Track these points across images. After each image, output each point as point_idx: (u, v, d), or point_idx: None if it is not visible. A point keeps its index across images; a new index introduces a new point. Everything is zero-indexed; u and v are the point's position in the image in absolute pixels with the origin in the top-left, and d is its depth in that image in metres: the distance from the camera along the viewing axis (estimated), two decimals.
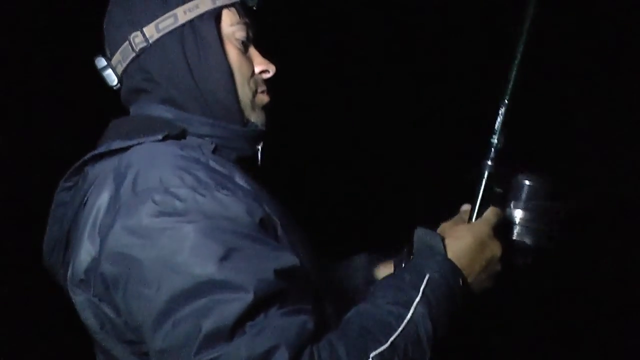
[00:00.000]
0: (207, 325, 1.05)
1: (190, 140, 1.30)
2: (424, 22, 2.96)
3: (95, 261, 1.20)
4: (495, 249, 1.30)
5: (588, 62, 2.89)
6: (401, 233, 1.48)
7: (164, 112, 1.32)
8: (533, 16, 1.32)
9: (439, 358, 1.19)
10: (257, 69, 1.37)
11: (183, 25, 1.31)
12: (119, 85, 1.38)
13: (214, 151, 1.29)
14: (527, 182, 1.35)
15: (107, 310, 1.22)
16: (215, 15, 1.32)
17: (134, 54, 1.32)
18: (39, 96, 2.54)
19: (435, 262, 1.24)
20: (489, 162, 1.34)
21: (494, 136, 1.34)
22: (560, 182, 1.38)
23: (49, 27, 2.54)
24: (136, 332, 1.18)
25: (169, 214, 1.12)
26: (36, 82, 2.54)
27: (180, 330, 1.07)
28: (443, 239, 1.29)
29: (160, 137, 1.26)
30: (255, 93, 1.36)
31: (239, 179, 1.23)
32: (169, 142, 1.27)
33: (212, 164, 1.23)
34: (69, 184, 1.35)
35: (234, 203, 1.15)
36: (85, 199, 1.28)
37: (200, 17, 1.32)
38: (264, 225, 1.17)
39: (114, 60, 1.36)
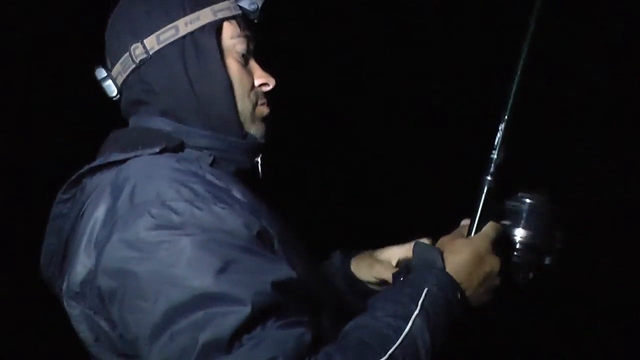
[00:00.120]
0: (204, 338, 1.07)
1: (188, 153, 1.31)
2: (426, 25, 2.96)
3: (91, 274, 1.21)
4: (493, 263, 1.31)
5: (590, 74, 2.89)
6: (399, 236, 1.52)
7: (163, 124, 1.33)
8: (534, 32, 1.35)
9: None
10: (257, 82, 1.39)
11: (184, 37, 1.32)
12: (118, 96, 1.39)
13: (212, 164, 1.31)
14: (527, 200, 1.37)
15: (102, 323, 1.24)
16: (216, 28, 1.34)
17: (134, 65, 1.34)
18: (39, 96, 2.53)
19: (434, 275, 1.26)
20: (489, 177, 1.36)
21: (493, 151, 1.36)
22: (560, 198, 1.39)
23: (49, 27, 2.52)
24: (132, 346, 1.20)
25: (166, 227, 1.14)
26: (36, 82, 2.53)
27: (177, 343, 1.09)
28: (442, 253, 1.31)
29: (157, 149, 1.28)
30: (255, 105, 1.38)
31: (236, 192, 1.24)
32: (166, 154, 1.28)
33: (209, 177, 1.24)
34: (67, 196, 1.37)
35: (231, 216, 1.17)
36: (82, 211, 1.30)
37: (202, 29, 1.33)
38: (261, 238, 1.19)
39: (114, 71, 1.37)
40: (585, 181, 2.91)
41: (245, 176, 1.36)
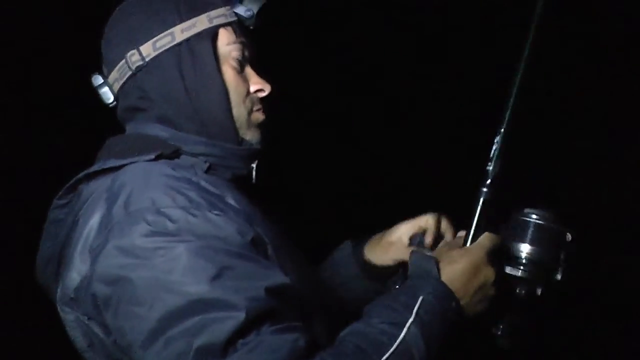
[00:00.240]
0: (199, 343, 1.09)
1: (183, 159, 1.33)
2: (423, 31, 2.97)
3: (86, 280, 1.23)
4: (489, 273, 1.33)
5: (589, 84, 2.90)
6: None
7: (160, 130, 1.36)
8: (532, 46, 1.38)
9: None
10: (252, 88, 1.41)
11: (180, 44, 1.34)
12: (115, 102, 1.41)
13: (208, 170, 1.33)
14: (533, 216, 1.40)
15: (96, 329, 1.26)
16: (212, 35, 1.36)
17: (130, 72, 1.36)
18: (39, 96, 2.53)
19: (429, 284, 1.28)
20: (485, 189, 1.38)
21: (489, 163, 1.38)
22: (564, 212, 1.41)
23: (49, 27, 2.52)
24: (125, 352, 1.22)
25: (162, 234, 1.16)
26: (36, 82, 2.53)
27: (172, 348, 1.11)
28: (437, 262, 1.32)
29: (153, 156, 1.30)
30: (250, 112, 1.40)
31: (230, 199, 1.27)
32: (162, 161, 1.31)
33: (203, 184, 1.27)
34: (63, 201, 1.39)
35: (225, 223, 1.19)
36: (78, 217, 1.32)
37: (197, 36, 1.35)
38: (255, 244, 1.21)
39: (110, 78, 1.39)
40: (585, 183, 2.90)
41: (241, 182, 1.38)
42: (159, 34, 1.34)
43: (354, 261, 1.60)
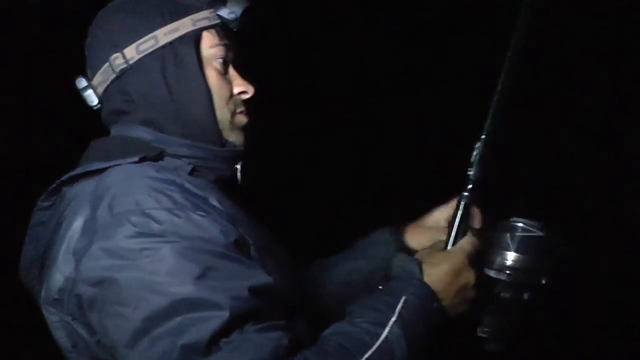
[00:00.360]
0: (183, 342, 1.12)
1: (167, 161, 1.36)
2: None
3: (70, 281, 1.26)
4: (469, 276, 1.37)
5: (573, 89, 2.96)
6: None
7: (144, 133, 1.38)
8: (512, 56, 1.41)
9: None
10: (236, 90, 1.43)
11: (163, 47, 1.36)
12: (99, 105, 1.43)
13: (192, 172, 1.36)
14: (520, 225, 1.43)
15: (80, 329, 1.28)
16: (195, 37, 1.38)
17: (114, 75, 1.38)
18: (39, 96, 2.55)
19: (412, 285, 1.32)
20: (466, 194, 1.42)
21: (470, 169, 1.42)
22: (550, 221, 1.45)
23: (50, 27, 2.54)
24: (110, 352, 1.25)
25: (146, 235, 1.18)
26: (36, 82, 2.55)
27: (157, 347, 1.13)
28: (420, 264, 1.36)
29: (137, 158, 1.32)
30: (234, 114, 1.42)
31: (214, 201, 1.29)
32: (146, 163, 1.33)
33: (187, 185, 1.29)
34: (47, 203, 1.41)
35: (209, 224, 1.21)
36: (62, 219, 1.34)
37: (181, 39, 1.37)
38: (238, 245, 1.24)
39: (94, 81, 1.41)
40: (583, 184, 2.91)
41: (225, 183, 1.40)
42: (142, 37, 1.36)
43: (393, 248, 1.61)
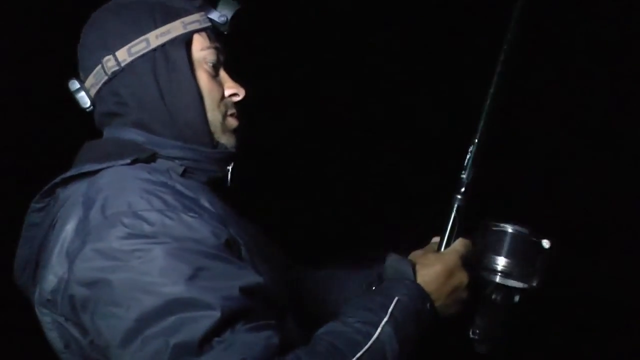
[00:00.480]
0: (175, 341, 1.13)
1: (159, 163, 1.38)
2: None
3: (62, 282, 1.28)
4: (462, 277, 1.39)
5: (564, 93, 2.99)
6: (373, 250, 1.56)
7: (136, 135, 1.40)
8: (504, 61, 1.44)
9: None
10: (227, 92, 1.45)
11: (154, 49, 1.39)
12: (92, 107, 1.45)
13: (183, 174, 1.38)
14: (509, 230, 1.45)
15: (73, 330, 1.30)
16: (186, 40, 1.41)
17: (106, 78, 1.40)
18: (39, 96, 2.55)
19: (405, 286, 1.34)
20: (458, 196, 1.45)
21: (463, 172, 1.45)
22: (539, 224, 1.46)
23: (50, 26, 2.54)
24: (103, 352, 1.27)
25: (138, 236, 1.21)
26: (36, 83, 2.56)
27: (149, 347, 1.15)
28: (413, 265, 1.39)
29: (129, 160, 1.34)
30: (225, 116, 1.44)
31: (205, 202, 1.32)
32: (137, 165, 1.35)
33: (179, 187, 1.31)
34: (40, 205, 1.43)
35: (200, 225, 1.24)
36: (55, 221, 1.36)
37: (172, 41, 1.39)
38: (229, 246, 1.26)
39: (87, 83, 1.43)
40: (580, 185, 2.92)
41: (217, 185, 1.43)
42: (134, 40, 1.38)
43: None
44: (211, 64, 1.42)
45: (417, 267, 1.37)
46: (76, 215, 1.29)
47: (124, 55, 1.37)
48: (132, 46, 1.37)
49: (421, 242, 1.49)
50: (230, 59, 1.46)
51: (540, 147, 3.01)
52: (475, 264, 1.43)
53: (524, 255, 1.43)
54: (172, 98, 1.37)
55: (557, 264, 1.43)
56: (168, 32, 1.38)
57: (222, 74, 1.45)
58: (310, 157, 3.03)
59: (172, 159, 1.38)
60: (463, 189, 1.44)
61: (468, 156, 1.44)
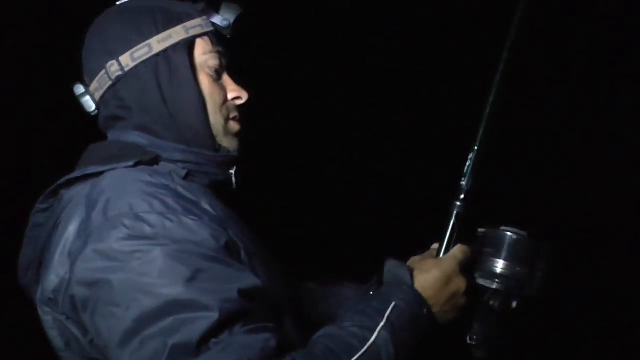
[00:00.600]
0: (174, 342, 1.16)
1: (162, 166, 1.41)
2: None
3: (64, 282, 1.30)
4: (460, 283, 1.40)
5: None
6: (372, 255, 1.56)
7: (139, 138, 1.43)
8: (505, 68, 1.44)
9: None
10: (229, 96, 1.48)
11: (157, 54, 1.41)
12: (96, 111, 1.48)
13: (186, 177, 1.41)
14: (508, 234, 1.45)
15: (73, 329, 1.33)
16: (188, 45, 1.44)
17: (110, 82, 1.43)
18: (39, 96, 2.57)
19: (402, 291, 1.35)
20: (458, 203, 1.46)
21: (463, 179, 1.46)
22: (538, 228, 1.47)
23: (50, 27, 2.55)
24: (102, 352, 1.30)
25: (139, 238, 1.23)
26: (36, 83, 2.59)
27: (147, 347, 1.17)
28: (411, 271, 1.40)
29: (132, 163, 1.37)
30: (227, 120, 1.47)
31: (206, 205, 1.34)
32: (140, 168, 1.38)
33: (180, 190, 1.34)
34: (45, 205, 1.46)
35: (200, 228, 1.26)
36: (59, 221, 1.39)
37: (174, 46, 1.42)
38: (229, 248, 1.29)
39: (91, 88, 1.46)
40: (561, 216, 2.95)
41: (219, 188, 1.45)
42: (136, 45, 1.41)
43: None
44: (213, 68, 1.44)
45: (415, 273, 1.38)
46: (79, 216, 1.32)
47: (127, 60, 1.40)
48: (135, 51, 1.40)
49: (420, 248, 1.50)
50: (233, 62, 1.47)
51: (540, 147, 3.03)
52: (474, 269, 1.43)
53: (523, 260, 1.43)
54: (175, 102, 1.40)
55: (557, 270, 1.44)
56: (170, 37, 1.41)
57: (225, 77, 1.48)
58: (310, 158, 3.06)
59: (175, 162, 1.40)
60: (462, 196, 1.44)
61: (468, 163, 1.45)
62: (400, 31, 3.01)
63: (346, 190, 3.11)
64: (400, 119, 3.12)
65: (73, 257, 1.28)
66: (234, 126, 1.47)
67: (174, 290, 1.18)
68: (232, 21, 1.46)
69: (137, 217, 1.23)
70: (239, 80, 1.48)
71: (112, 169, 1.36)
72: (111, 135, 1.47)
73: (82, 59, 1.47)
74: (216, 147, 1.45)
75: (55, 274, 1.32)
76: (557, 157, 3.07)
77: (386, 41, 3.03)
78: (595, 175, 2.96)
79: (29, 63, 2.58)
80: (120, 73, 1.40)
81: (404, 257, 1.49)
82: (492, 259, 1.44)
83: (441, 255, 1.43)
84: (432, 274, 1.37)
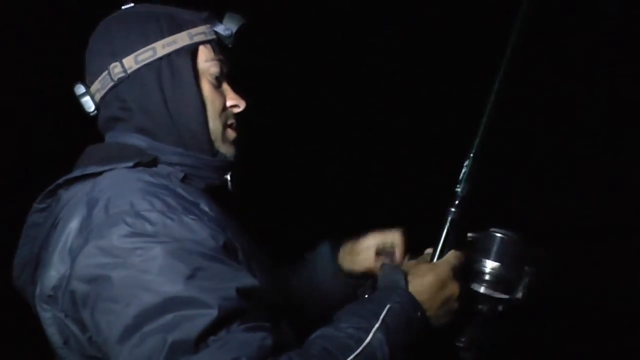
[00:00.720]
0: (173, 339, 1.18)
1: (161, 168, 1.44)
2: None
3: (64, 279, 1.33)
4: (454, 288, 1.44)
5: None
6: None
7: (138, 140, 1.46)
8: (503, 78, 1.47)
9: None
10: (228, 103, 1.52)
11: (161, 58, 1.45)
12: (96, 112, 1.51)
13: (183, 179, 1.44)
14: (498, 235, 1.48)
15: (72, 326, 1.35)
16: (191, 51, 1.47)
17: (112, 83, 1.46)
18: (39, 96, 2.60)
19: (397, 294, 1.39)
20: (453, 209, 1.48)
21: (458, 186, 1.48)
22: (528, 230, 1.50)
23: (50, 27, 2.58)
24: (101, 349, 1.32)
25: (140, 235, 1.26)
26: (36, 83, 2.61)
27: (146, 344, 1.20)
28: (406, 275, 1.43)
29: (131, 164, 1.40)
30: (225, 126, 1.51)
31: (204, 206, 1.38)
32: (139, 169, 1.41)
33: (179, 190, 1.38)
34: (42, 205, 1.48)
35: (200, 227, 1.29)
36: (57, 221, 1.41)
37: (178, 52, 1.46)
38: (227, 248, 1.32)
39: (92, 88, 1.49)
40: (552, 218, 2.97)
41: (215, 192, 1.48)
42: (141, 48, 1.45)
43: (331, 263, 1.71)
44: (215, 75, 1.48)
45: (410, 277, 1.41)
46: (80, 214, 1.34)
47: (131, 62, 1.43)
48: (138, 54, 1.43)
49: (414, 253, 1.54)
50: (233, 70, 1.51)
51: (540, 148, 3.05)
52: (468, 274, 1.46)
53: (511, 261, 1.45)
54: (176, 106, 1.44)
55: (549, 275, 1.47)
56: (174, 42, 1.44)
57: (225, 85, 1.51)
58: (310, 158, 3.08)
59: (173, 164, 1.44)
60: (457, 202, 1.47)
61: (463, 170, 1.48)
62: (400, 31, 3.03)
63: (346, 190, 3.14)
64: (400, 119, 3.14)
65: (74, 253, 1.30)
66: (231, 133, 1.51)
67: (174, 287, 1.21)
68: (234, 31, 1.50)
69: (139, 215, 1.26)
70: (237, 89, 1.51)
71: (112, 169, 1.39)
72: (110, 137, 1.50)
73: (85, 59, 1.50)
74: (214, 152, 1.48)
75: (55, 271, 1.34)
76: (556, 159, 3.11)
77: (386, 41, 3.06)
78: (595, 175, 2.98)
79: (29, 63, 2.60)
80: (122, 75, 1.44)
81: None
82: (481, 259, 1.47)
83: (435, 259, 1.45)
84: (426, 278, 1.40)
